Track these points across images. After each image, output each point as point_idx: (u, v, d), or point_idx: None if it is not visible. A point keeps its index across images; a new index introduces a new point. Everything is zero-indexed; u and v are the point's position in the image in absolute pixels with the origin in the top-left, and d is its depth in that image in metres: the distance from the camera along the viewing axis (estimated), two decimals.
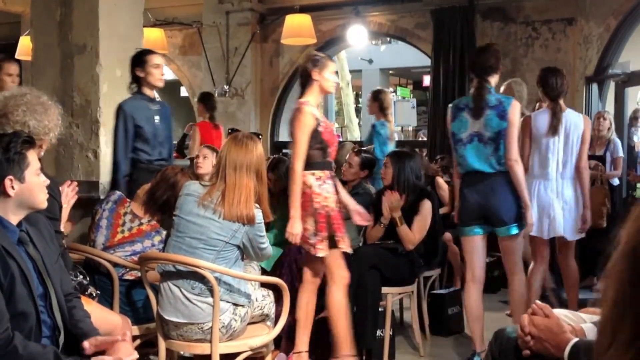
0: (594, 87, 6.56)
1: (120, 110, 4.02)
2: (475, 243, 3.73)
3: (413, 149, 4.77)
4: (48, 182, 2.18)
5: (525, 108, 4.90)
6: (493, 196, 3.61)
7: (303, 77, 3.54)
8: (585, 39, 6.57)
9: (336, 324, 3.44)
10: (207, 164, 4.43)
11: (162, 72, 4.07)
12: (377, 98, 6.04)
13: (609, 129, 5.97)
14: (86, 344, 2.05)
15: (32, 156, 2.10)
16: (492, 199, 3.61)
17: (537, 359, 1.73)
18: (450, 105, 3.87)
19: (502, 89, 4.96)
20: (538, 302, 1.80)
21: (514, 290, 3.81)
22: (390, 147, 5.69)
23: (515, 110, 3.59)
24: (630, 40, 6.39)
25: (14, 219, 2.07)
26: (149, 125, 4.02)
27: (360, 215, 3.71)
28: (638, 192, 5.19)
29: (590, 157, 6.00)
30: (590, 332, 1.78)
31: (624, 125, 6.36)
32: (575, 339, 1.67)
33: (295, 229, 3.33)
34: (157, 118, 4.08)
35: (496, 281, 5.81)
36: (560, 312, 1.87)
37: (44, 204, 2.15)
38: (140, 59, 4.00)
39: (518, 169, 3.58)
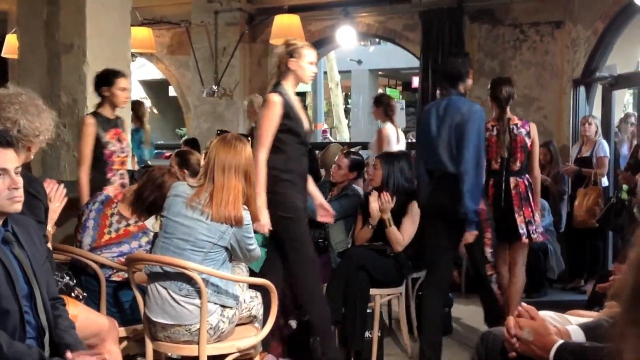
0: (582, 90, 6.60)
1: (478, 115, 3.65)
2: None
3: (402, 151, 4.77)
4: (17, 190, 2.02)
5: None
6: None
7: None
8: (573, 42, 6.61)
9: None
10: None
11: None
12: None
13: (596, 132, 6.01)
14: (70, 355, 2.03)
15: None
16: None
17: None
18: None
19: (245, 102, 5.35)
20: (524, 304, 1.81)
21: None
22: (146, 151, 6.09)
23: None
24: (617, 43, 6.43)
25: None
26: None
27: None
28: (624, 195, 5.21)
29: (578, 159, 6.08)
30: (576, 333, 1.79)
31: (612, 128, 6.40)
32: (561, 341, 1.68)
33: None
34: None
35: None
36: (546, 314, 1.88)
37: None
38: None
39: None
